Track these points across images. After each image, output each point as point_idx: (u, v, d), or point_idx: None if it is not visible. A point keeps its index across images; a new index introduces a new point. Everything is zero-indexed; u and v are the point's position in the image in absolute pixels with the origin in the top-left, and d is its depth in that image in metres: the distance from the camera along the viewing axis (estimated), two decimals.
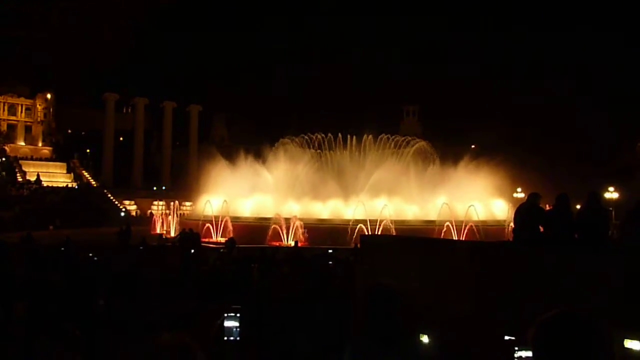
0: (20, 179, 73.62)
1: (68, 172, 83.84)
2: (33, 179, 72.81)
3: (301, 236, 32.01)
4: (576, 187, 22.21)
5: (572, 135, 74.31)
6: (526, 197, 11.69)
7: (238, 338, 5.70)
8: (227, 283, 10.19)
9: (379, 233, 29.81)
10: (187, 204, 62.04)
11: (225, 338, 5.68)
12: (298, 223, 32.95)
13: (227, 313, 5.71)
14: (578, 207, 12.12)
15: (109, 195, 73.78)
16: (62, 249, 19.20)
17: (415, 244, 10.12)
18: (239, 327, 5.69)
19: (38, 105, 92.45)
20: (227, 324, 5.71)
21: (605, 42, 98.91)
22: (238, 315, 5.71)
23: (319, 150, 48.45)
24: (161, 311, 8.52)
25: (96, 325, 6.50)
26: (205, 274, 12.15)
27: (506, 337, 6.13)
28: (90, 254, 16.72)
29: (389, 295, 3.79)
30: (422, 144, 47.86)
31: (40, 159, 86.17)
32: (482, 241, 24.68)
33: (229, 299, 7.69)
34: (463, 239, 31.09)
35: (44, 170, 78.27)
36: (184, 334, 2.52)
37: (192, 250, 19.70)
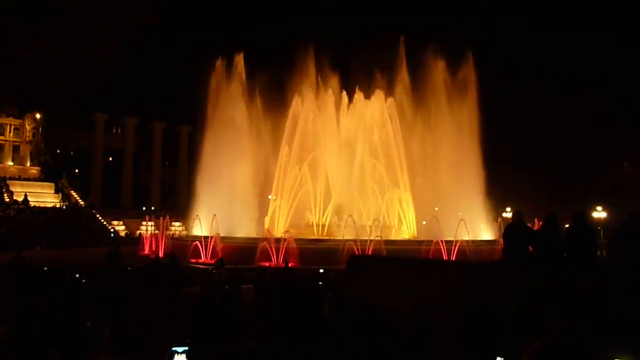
0: (7, 199, 72.79)
1: (56, 192, 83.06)
2: (21, 199, 72.06)
3: (292, 256, 31.80)
4: (564, 206, 22.34)
5: (560, 154, 74.71)
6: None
7: None
8: (214, 305, 10.06)
9: (370, 253, 29.70)
10: (177, 224, 61.72)
11: None
12: (289, 237, 32.87)
13: (177, 346, 5.54)
14: (567, 226, 12.15)
15: (98, 216, 73.15)
16: (45, 268, 18.96)
17: (403, 264, 10.08)
18: None
19: (27, 125, 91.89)
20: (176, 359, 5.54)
21: (598, 58, 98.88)
22: (187, 349, 5.55)
23: None
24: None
25: (79, 348, 6.38)
26: (194, 296, 12.02)
27: (498, 359, 6.08)
28: (77, 275, 16.50)
29: (375, 316, 3.76)
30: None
31: (29, 179, 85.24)
32: (471, 261, 24.67)
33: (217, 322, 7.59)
34: (453, 258, 31.06)
35: (32, 191, 77.45)
36: None
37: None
